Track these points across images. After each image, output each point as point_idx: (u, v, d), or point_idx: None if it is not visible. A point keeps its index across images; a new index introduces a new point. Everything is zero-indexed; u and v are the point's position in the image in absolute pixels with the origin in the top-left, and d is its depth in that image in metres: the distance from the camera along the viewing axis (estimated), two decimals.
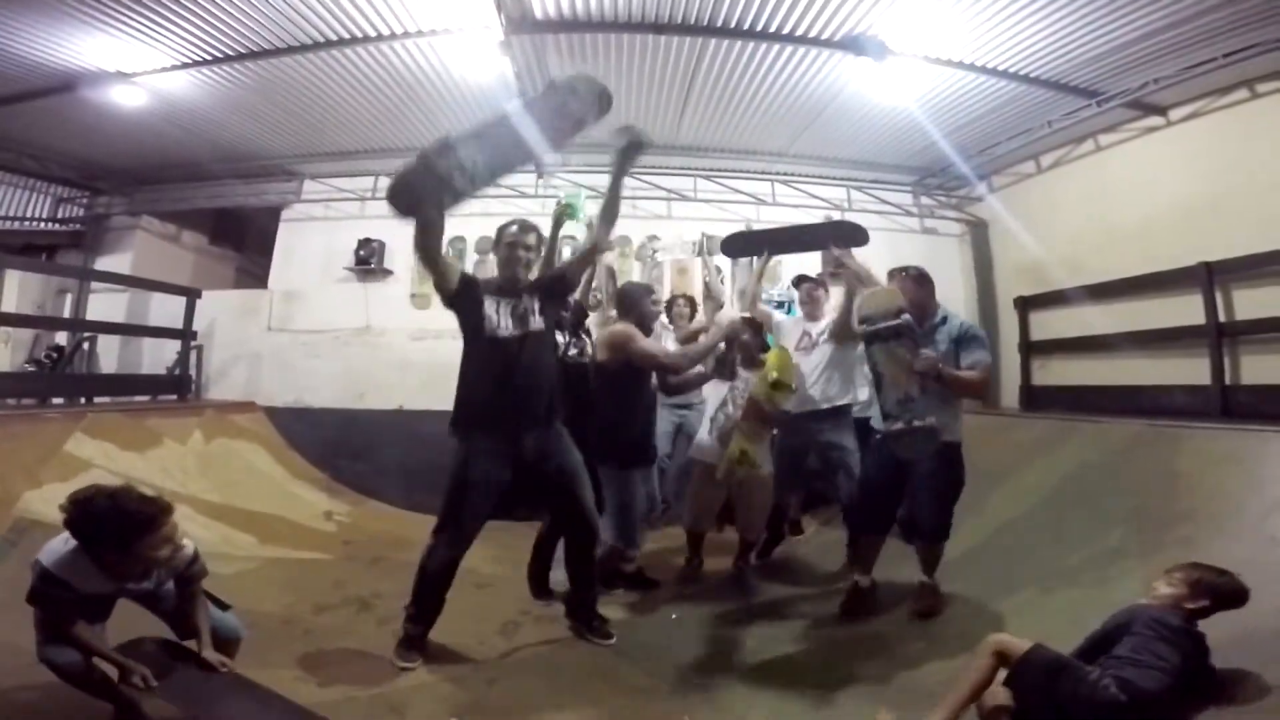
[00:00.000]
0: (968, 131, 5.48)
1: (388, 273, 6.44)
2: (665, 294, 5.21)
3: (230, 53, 4.57)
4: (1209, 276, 4.32)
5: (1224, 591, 2.11)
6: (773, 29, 4.25)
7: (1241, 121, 4.34)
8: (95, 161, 6.60)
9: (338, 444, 5.84)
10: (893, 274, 3.23)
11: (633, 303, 3.38)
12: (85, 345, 6.27)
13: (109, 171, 6.83)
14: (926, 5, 3.87)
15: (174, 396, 5.96)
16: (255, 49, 4.54)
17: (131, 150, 6.23)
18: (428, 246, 2.62)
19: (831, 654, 2.92)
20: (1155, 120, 4.86)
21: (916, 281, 3.12)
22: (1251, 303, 4.18)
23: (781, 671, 2.76)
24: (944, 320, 3.12)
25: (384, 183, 6.19)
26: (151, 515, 1.88)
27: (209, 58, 4.62)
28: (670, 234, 6.49)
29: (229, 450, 5.24)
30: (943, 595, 3.17)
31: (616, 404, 3.23)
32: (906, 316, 2.84)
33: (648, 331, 3.38)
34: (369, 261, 6.29)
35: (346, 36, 4.41)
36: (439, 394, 5.87)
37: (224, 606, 2.28)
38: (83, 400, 5.48)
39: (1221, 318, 4.29)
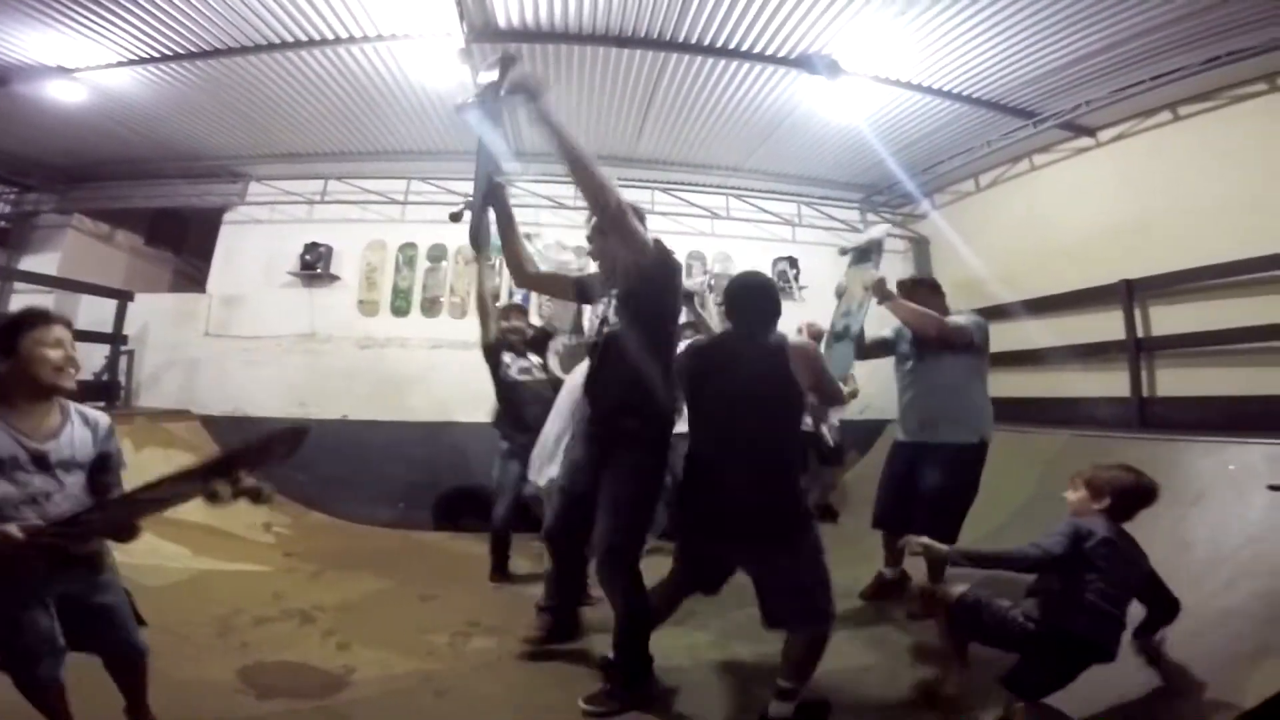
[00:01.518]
0: (913, 151, 5.69)
1: (334, 278, 6.28)
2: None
3: (181, 51, 4.41)
4: (1129, 293, 4.58)
5: (1123, 486, 2.15)
6: (732, 45, 4.34)
7: (1165, 143, 4.60)
8: (25, 157, 6.24)
9: None
10: (907, 284, 3.48)
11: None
12: None
13: (40, 167, 6.47)
14: (877, 26, 4.02)
15: (101, 404, 5.67)
16: (208, 48, 4.39)
17: (66, 146, 5.94)
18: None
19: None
20: (1086, 141, 5.13)
21: (931, 289, 3.40)
22: (1168, 318, 4.43)
23: (741, 673, 2.75)
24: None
25: (334, 186, 6.22)
26: (39, 312, 1.91)
27: (158, 55, 4.45)
28: None
29: (161, 460, 4.98)
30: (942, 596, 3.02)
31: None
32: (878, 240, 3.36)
33: None
34: (315, 266, 6.12)
35: (304, 38, 4.31)
36: (385, 404, 5.90)
37: (141, 622, 2.13)
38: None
39: (1140, 333, 4.54)
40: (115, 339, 5.76)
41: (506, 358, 4.00)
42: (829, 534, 4.60)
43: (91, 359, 5.84)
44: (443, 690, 2.62)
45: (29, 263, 6.47)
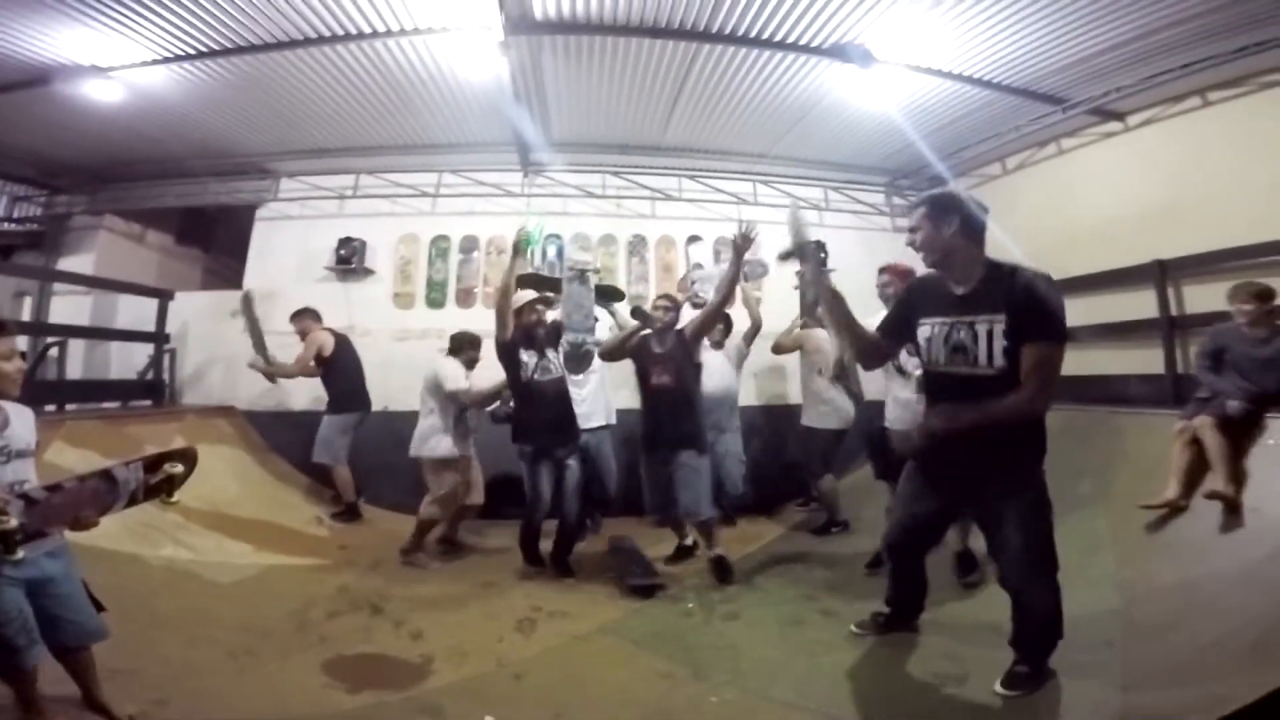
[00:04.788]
0: (941, 135, 5.71)
1: (369, 272, 6.35)
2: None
3: (215, 47, 4.43)
4: (1162, 273, 4.65)
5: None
6: (765, 35, 4.36)
7: (1194, 128, 4.65)
8: (56, 159, 6.29)
9: None
10: None
11: None
12: (54, 350, 5.99)
13: (70, 169, 6.52)
14: (911, 16, 4.05)
15: (148, 402, 5.79)
16: (240, 44, 4.41)
17: (97, 147, 5.98)
18: None
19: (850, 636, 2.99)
20: (1114, 126, 5.17)
21: None
22: (1201, 297, 4.49)
23: (803, 652, 2.86)
24: None
25: (365, 181, 6.26)
26: None
27: (192, 52, 4.48)
28: (654, 233, 6.61)
29: (213, 456, 5.07)
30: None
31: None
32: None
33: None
34: (350, 261, 6.19)
35: (339, 33, 4.33)
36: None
37: (100, 608, 2.18)
38: (52, 407, 5.25)
39: (1174, 311, 4.62)
40: (159, 338, 5.85)
41: (525, 356, 3.97)
42: None
43: (134, 358, 5.97)
44: (520, 674, 2.72)
45: (65, 264, 6.57)
